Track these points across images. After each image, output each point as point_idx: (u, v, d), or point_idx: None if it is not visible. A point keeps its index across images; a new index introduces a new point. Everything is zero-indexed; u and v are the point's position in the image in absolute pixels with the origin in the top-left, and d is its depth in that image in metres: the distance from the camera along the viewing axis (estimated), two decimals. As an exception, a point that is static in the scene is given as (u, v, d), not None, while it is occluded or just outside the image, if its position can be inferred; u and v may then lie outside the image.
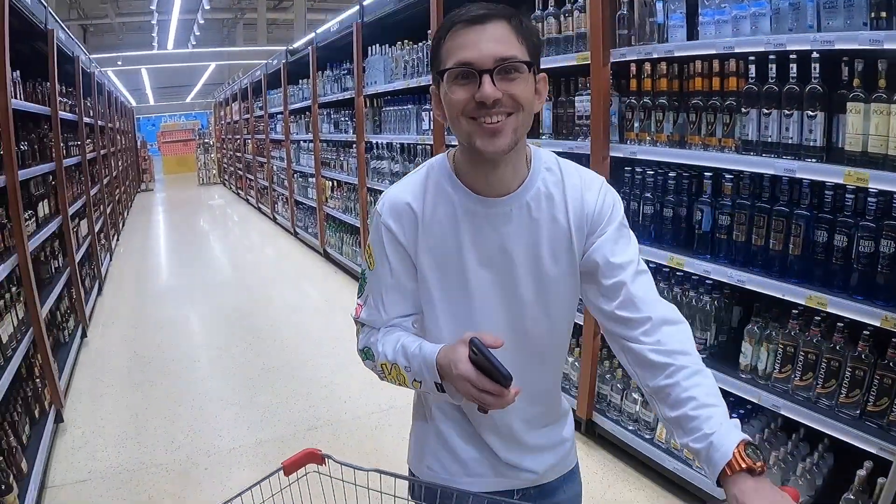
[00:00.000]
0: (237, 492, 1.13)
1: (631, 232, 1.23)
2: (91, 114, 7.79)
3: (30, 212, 4.00)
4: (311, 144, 7.69)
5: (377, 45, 5.21)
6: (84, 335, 5.26)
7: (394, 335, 1.23)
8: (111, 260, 8.39)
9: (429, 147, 4.48)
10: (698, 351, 1.18)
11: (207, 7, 15.32)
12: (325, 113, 7.12)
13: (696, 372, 1.09)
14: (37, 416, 3.35)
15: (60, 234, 4.97)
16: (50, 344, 4.27)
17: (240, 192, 15.32)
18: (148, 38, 21.50)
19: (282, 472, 1.20)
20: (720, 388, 1.09)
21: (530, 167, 1.19)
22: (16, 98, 3.78)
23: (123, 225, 11.57)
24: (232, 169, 16.53)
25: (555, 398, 1.37)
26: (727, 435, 0.98)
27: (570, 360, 3.32)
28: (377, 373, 1.26)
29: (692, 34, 2.52)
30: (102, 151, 8.92)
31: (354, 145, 5.98)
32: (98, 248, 7.13)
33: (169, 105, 34.26)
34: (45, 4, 4.66)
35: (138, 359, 4.81)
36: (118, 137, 12.53)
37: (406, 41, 4.70)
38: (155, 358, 4.80)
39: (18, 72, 3.93)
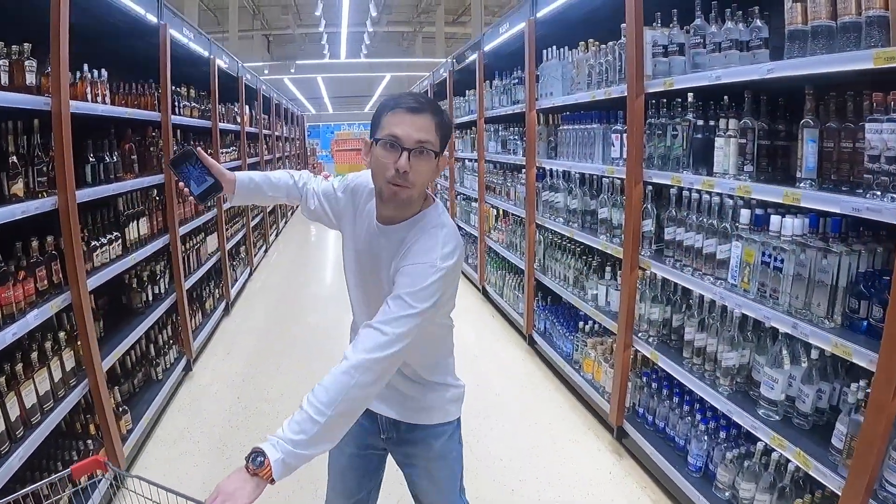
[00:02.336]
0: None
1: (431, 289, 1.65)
2: (237, 120, 7.76)
3: (113, 234, 3.70)
4: (476, 164, 7.04)
5: (553, 49, 4.37)
6: (188, 368, 5.01)
7: (280, 171, 2.16)
8: (251, 275, 8.40)
9: (618, 181, 3.54)
10: None
11: (374, 14, 15.53)
12: (491, 129, 6.42)
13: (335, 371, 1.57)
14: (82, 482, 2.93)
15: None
16: (131, 386, 3.99)
17: (402, 206, 15.18)
18: (334, 50, 22.54)
19: (70, 475, 1.53)
20: None
21: (415, 215, 1.78)
22: (95, 101, 3.47)
23: (278, 235, 11.93)
24: (399, 182, 16.44)
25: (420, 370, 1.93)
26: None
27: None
28: None
29: None
30: (252, 160, 8.99)
31: (524, 170, 5.19)
32: (230, 264, 7.06)
33: (349, 115, 36.20)
34: None
35: (241, 409, 4.42)
36: (281, 145, 12.95)
37: (591, 41, 3.81)
38: (260, 411, 4.37)
39: (104, 71, 3.62)
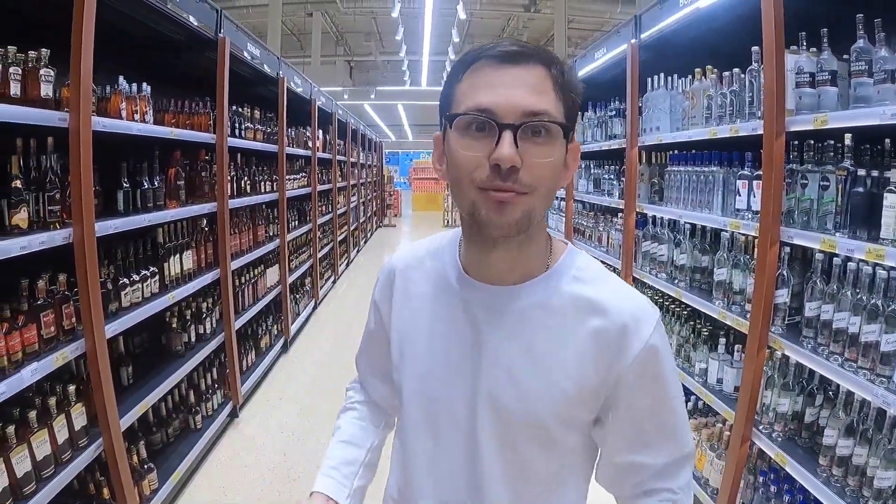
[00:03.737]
0: None
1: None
2: (308, 145, 7.60)
3: (150, 269, 3.43)
4: (563, 203, 6.58)
5: (660, 76, 3.90)
6: (234, 415, 4.74)
7: (344, 419, 1.37)
8: (315, 308, 8.22)
9: (741, 237, 3.02)
10: None
11: (457, 40, 15.63)
12: (583, 165, 5.96)
13: None
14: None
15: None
16: (164, 436, 3.73)
17: (480, 240, 15.06)
18: (415, 78, 22.90)
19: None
20: None
21: (551, 265, 1.08)
22: (131, 119, 3.22)
23: (349, 264, 11.91)
24: (476, 216, 16.33)
25: None
26: None
27: None
28: None
29: None
30: (324, 186, 8.84)
31: (621, 215, 4.70)
32: (293, 297, 6.88)
33: (429, 143, 36.98)
34: (219, 9, 4.20)
35: (285, 470, 4.09)
36: (357, 171, 13.06)
37: (710, 68, 3.33)
38: (306, 475, 3.99)
39: (146, 85, 3.39)
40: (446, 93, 1.02)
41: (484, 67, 0.96)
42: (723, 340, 3.24)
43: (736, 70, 3.01)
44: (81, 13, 2.48)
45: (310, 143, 7.70)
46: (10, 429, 2.24)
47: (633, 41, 4.19)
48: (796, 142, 2.59)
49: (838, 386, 2.39)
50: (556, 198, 7.20)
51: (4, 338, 2.23)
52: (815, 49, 2.54)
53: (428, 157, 31.59)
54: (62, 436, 2.52)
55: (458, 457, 1.10)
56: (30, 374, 2.29)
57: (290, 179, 6.58)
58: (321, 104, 8.26)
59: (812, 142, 2.52)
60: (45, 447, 2.40)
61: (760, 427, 2.82)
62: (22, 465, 2.26)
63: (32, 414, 2.36)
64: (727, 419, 3.11)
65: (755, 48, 2.72)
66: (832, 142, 2.42)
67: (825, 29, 2.46)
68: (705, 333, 3.44)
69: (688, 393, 3.67)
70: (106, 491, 2.89)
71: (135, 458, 3.21)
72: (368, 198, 16.18)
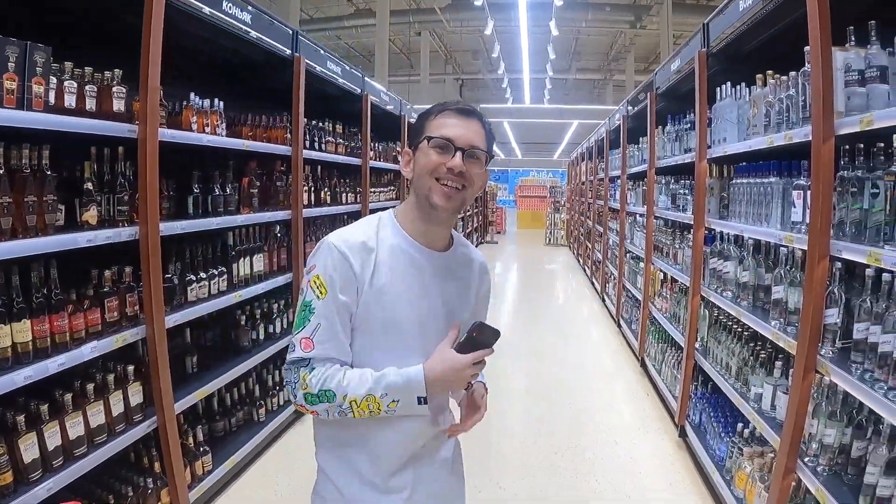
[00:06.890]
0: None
1: None
2: (398, 159, 7.70)
3: (218, 269, 3.58)
4: (644, 220, 6.30)
5: (727, 86, 3.63)
6: (300, 414, 4.75)
7: (351, 371, 1.53)
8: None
9: (799, 252, 2.73)
10: None
11: (553, 57, 15.49)
12: (662, 181, 5.68)
13: None
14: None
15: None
16: (227, 425, 3.86)
17: (579, 259, 14.77)
18: (518, 95, 22.91)
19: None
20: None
21: (454, 237, 1.72)
22: (202, 132, 3.39)
23: None
24: (576, 233, 15.98)
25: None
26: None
27: None
28: (335, 413, 1.49)
29: None
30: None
31: (692, 230, 4.42)
32: None
33: (536, 161, 36.84)
34: (294, 30, 4.33)
35: None
36: None
37: (770, 73, 3.05)
38: None
39: (218, 101, 3.53)
40: (420, 125, 1.60)
41: (449, 115, 1.56)
42: (779, 364, 2.95)
43: (792, 74, 2.75)
44: (149, 38, 2.72)
45: (399, 158, 7.79)
46: (68, 397, 2.47)
47: (701, 50, 3.95)
48: (848, 147, 2.32)
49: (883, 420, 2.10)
50: (638, 215, 6.96)
51: (69, 318, 2.46)
52: (870, 42, 2.26)
53: (537, 175, 31.36)
54: (117, 409, 2.71)
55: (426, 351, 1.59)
56: (89, 350, 2.53)
57: (375, 192, 6.63)
58: (412, 121, 8.33)
59: (862, 146, 2.25)
60: (100, 417, 2.60)
61: (806, 459, 2.52)
62: (75, 429, 2.47)
63: (90, 386, 2.57)
64: (776, 449, 2.83)
65: (807, 48, 2.47)
66: (881, 145, 2.15)
67: (874, 21, 2.19)
68: (763, 356, 3.14)
69: (742, 419, 3.38)
70: (158, 466, 3.02)
71: (191, 439, 3.34)
72: (468, 214, 16.15)
